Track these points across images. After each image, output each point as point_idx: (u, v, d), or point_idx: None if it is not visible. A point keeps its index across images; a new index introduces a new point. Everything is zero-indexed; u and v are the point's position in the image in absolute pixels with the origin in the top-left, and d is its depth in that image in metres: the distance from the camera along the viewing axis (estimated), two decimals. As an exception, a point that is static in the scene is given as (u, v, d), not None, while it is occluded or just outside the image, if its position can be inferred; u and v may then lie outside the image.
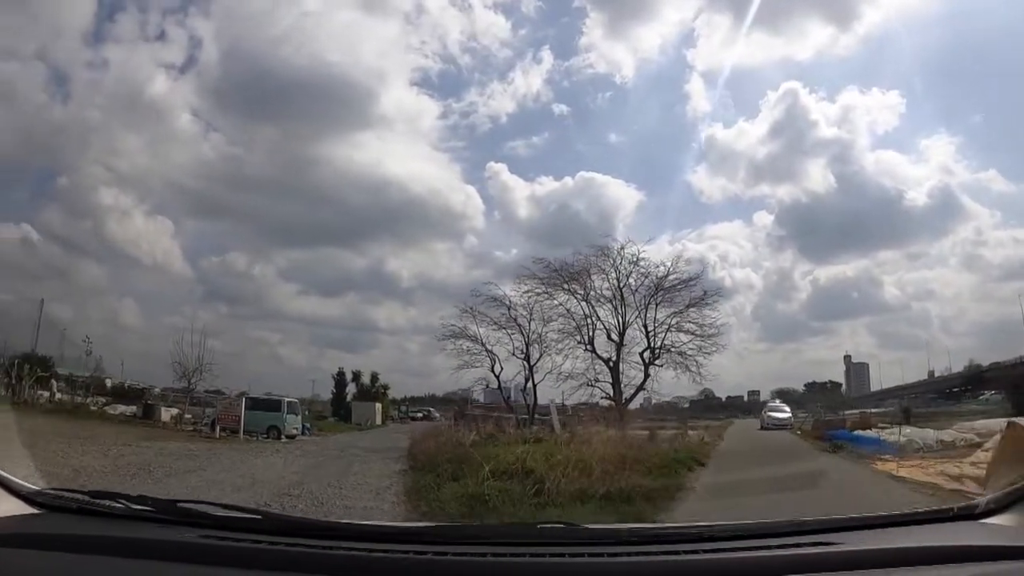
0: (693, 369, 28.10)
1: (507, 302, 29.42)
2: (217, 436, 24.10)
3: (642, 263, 28.92)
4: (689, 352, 28.22)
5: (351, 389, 51.34)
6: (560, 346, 29.22)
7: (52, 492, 2.33)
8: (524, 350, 29.78)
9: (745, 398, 43.96)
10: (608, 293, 29.31)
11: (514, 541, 2.04)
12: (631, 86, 53.86)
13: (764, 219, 48.96)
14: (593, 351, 29.06)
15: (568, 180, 57.32)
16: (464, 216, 60.81)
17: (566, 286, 29.30)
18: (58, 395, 27.65)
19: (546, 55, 56.81)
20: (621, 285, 29.13)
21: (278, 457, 18.65)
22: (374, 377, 53.04)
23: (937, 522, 2.12)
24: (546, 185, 56.50)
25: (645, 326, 28.98)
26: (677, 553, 1.94)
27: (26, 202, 56.87)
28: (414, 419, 58.19)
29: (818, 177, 48.75)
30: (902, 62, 57.31)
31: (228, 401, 28.05)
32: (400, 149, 57.66)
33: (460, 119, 58.70)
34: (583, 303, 29.45)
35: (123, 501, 2.20)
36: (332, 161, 55.37)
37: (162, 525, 2.09)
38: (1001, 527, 2.03)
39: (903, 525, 2.10)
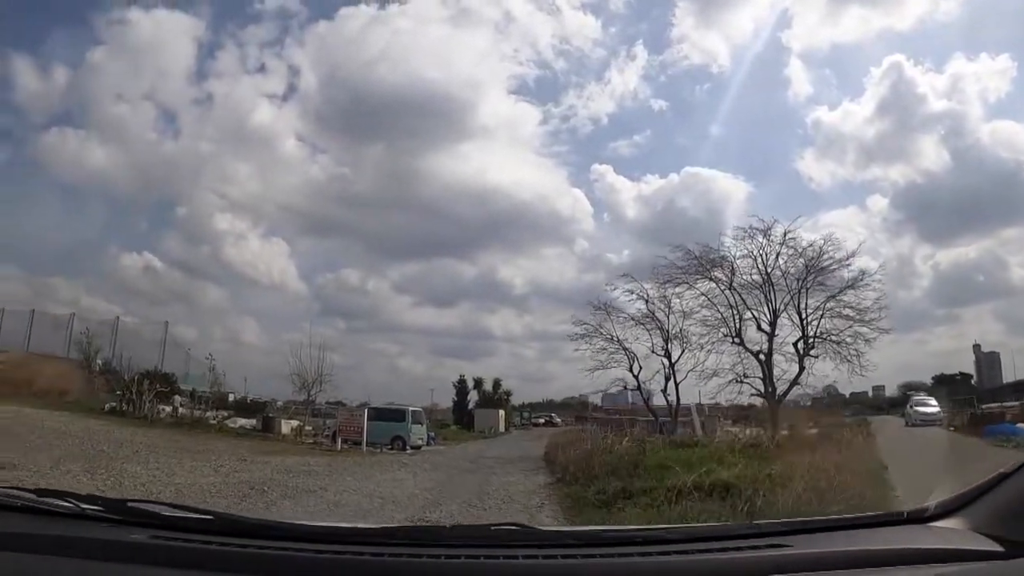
0: (852, 359, 24.51)
1: (644, 295, 26.83)
2: (339, 449, 22.36)
3: (791, 242, 25.44)
4: (848, 340, 24.70)
5: (472, 396, 50.96)
6: (703, 341, 26.32)
7: None
8: (664, 346, 27.11)
9: (870, 394, 40.68)
10: (756, 278, 25.97)
11: (468, 543, 1.98)
12: (729, 75, 53.00)
13: (879, 203, 46.13)
14: (741, 343, 25.88)
15: (674, 177, 56.46)
16: (573, 220, 60.21)
17: (709, 274, 26.24)
18: (180, 410, 27.27)
19: (639, 51, 55.69)
20: (770, 269, 25.72)
21: (406, 472, 16.27)
22: (496, 384, 52.22)
23: (888, 525, 2.12)
24: (652, 184, 55.77)
25: (800, 312, 25.42)
26: (631, 556, 1.89)
27: (147, 232, 60.99)
28: (536, 425, 57.30)
29: (932, 154, 46.58)
30: (1009, 21, 51.59)
31: (349, 412, 26.43)
32: (504, 157, 57.64)
33: (561, 123, 58.22)
34: (728, 291, 26.20)
35: (72, 500, 2.06)
36: (438, 174, 55.82)
37: (112, 525, 1.98)
38: (949, 530, 2.01)
39: (855, 528, 2.10)
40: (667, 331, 26.79)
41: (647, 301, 26.86)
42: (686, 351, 26.51)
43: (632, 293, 26.79)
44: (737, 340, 25.80)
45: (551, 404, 66.28)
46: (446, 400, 51.38)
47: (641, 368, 27.18)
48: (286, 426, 26.41)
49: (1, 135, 55.30)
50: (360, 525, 2.52)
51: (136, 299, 52.28)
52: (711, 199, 48.98)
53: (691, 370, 26.24)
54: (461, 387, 51.24)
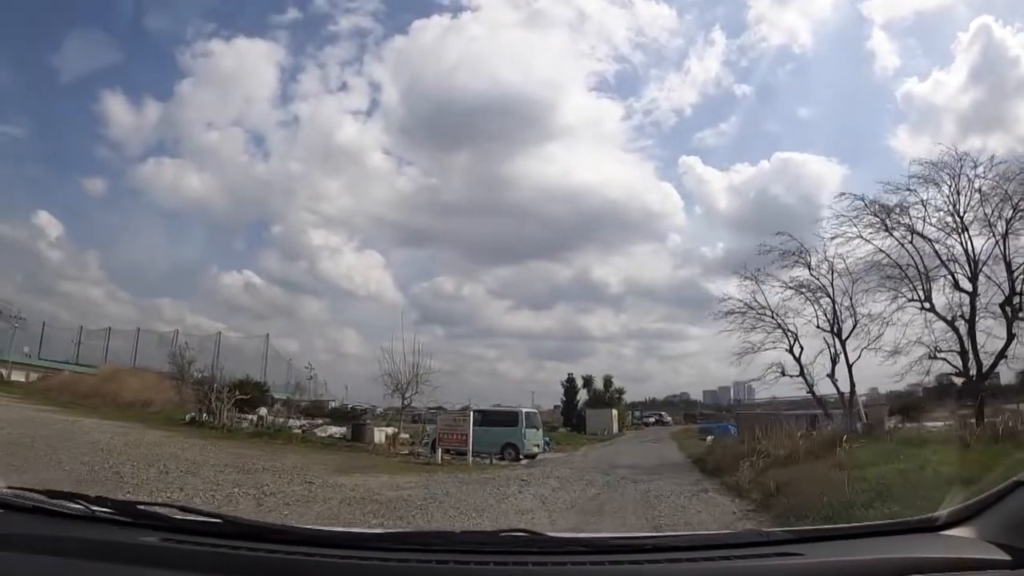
0: None
1: (805, 259, 22.22)
2: (439, 461, 18.49)
3: (992, 172, 19.41)
4: None
5: (580, 396, 47.88)
6: (880, 309, 21.15)
7: (7, 490, 2.13)
8: (831, 320, 22.18)
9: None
10: (949, 222, 20.00)
11: (477, 549, 1.90)
12: (811, 54, 51.67)
13: (981, 177, 38.72)
14: (931, 309, 20.22)
15: (764, 163, 53.92)
16: (664, 215, 57.76)
17: (888, 221, 20.61)
18: (270, 418, 25.00)
19: (717, 36, 52.72)
20: (962, 211, 19.67)
21: (530, 495, 11.81)
22: (607, 381, 48.46)
23: (897, 534, 2.04)
24: (742, 172, 53.16)
25: (1007, 262, 19.05)
26: (640, 563, 1.82)
27: (245, 252, 62.37)
28: (647, 424, 53.74)
29: (1031, 119, 38.87)
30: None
31: (451, 417, 22.39)
32: (590, 155, 56.18)
33: (644, 117, 55.13)
34: (911, 243, 20.51)
35: (81, 502, 1.98)
36: (525, 176, 54.22)
37: (122, 527, 1.91)
38: (958, 539, 1.94)
39: (864, 537, 2.01)
40: (834, 299, 22.01)
41: (808, 267, 22.23)
42: (859, 325, 21.61)
43: (792, 254, 22.12)
44: (927, 305, 20.24)
45: (655, 402, 63.60)
46: (547, 402, 49.59)
47: (803, 349, 22.76)
48: (378, 434, 23.08)
49: (104, 168, 57.84)
50: (370, 530, 2.40)
51: (238, 315, 53.10)
52: (805, 184, 48.95)
53: (866, 347, 21.33)
54: (570, 386, 48.02)
